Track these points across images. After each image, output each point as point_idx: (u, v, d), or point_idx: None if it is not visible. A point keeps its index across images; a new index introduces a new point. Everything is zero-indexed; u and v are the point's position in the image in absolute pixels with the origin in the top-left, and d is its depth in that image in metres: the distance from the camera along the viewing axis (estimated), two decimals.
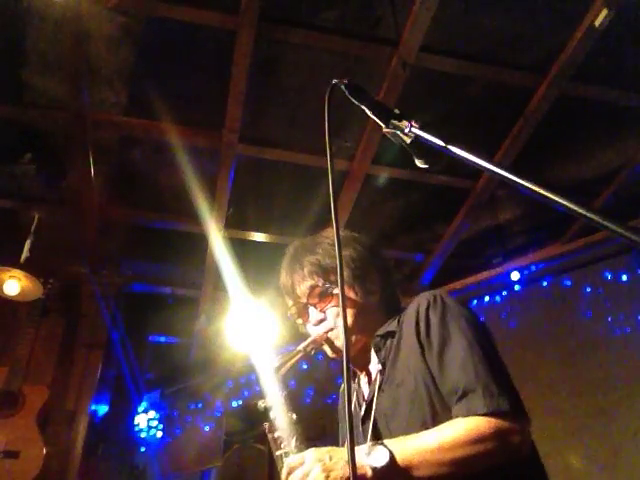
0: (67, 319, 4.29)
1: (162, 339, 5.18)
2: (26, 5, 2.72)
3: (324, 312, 1.55)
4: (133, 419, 5.16)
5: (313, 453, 1.26)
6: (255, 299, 4.14)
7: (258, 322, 4.25)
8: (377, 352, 1.48)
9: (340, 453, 1.24)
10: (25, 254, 3.71)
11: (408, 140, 1.07)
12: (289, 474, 1.25)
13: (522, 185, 0.86)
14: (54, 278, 3.93)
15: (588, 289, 3.75)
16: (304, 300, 1.59)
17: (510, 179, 0.88)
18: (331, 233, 1.63)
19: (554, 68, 2.94)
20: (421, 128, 1.06)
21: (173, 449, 5.21)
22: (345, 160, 3.48)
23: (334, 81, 1.18)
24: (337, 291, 1.52)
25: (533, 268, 4.00)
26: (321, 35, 2.84)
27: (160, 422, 5.35)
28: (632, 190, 3.65)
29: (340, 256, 1.08)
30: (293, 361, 1.52)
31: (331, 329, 1.53)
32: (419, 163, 1.11)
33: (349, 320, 1.49)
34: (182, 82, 3.15)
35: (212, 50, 2.96)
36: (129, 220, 4.12)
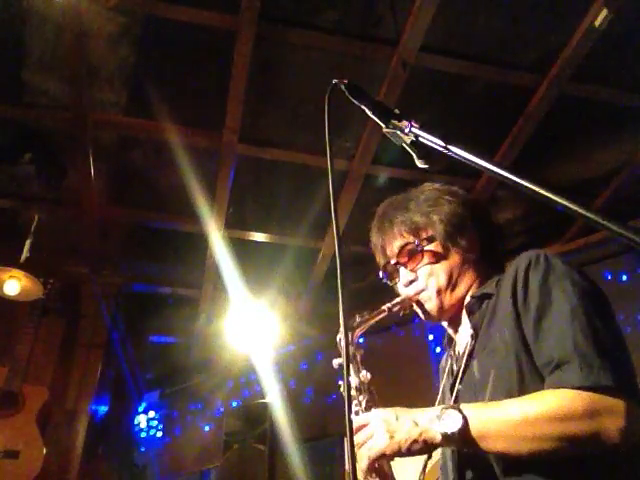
0: (67, 319, 4.29)
1: (162, 339, 5.18)
2: (26, 5, 2.72)
3: (415, 272, 1.43)
4: (133, 419, 5.16)
5: (379, 413, 1.18)
6: (255, 299, 4.14)
7: (258, 322, 4.26)
8: (470, 315, 1.36)
9: (407, 414, 1.15)
10: (25, 254, 3.70)
11: (408, 140, 1.07)
12: (355, 433, 1.16)
13: (522, 185, 0.86)
14: (54, 278, 3.93)
15: None
16: (394, 260, 1.48)
17: (510, 179, 0.88)
18: (425, 187, 1.54)
19: (554, 68, 2.94)
20: (421, 128, 1.07)
21: (173, 449, 5.21)
22: (345, 160, 3.48)
23: (334, 81, 1.18)
24: (430, 249, 1.42)
25: None
26: (321, 35, 2.84)
27: (160, 422, 5.35)
28: (632, 190, 3.65)
29: (340, 256, 1.05)
30: (374, 320, 1.41)
31: (422, 290, 1.42)
32: (419, 163, 1.10)
33: (443, 277, 1.40)
34: (182, 82, 3.15)
35: (212, 50, 2.96)
36: (129, 220, 4.12)
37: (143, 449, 5.16)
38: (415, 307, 1.45)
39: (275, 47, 2.95)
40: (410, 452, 1.12)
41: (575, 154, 3.57)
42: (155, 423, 5.32)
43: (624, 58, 2.99)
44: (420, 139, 1.06)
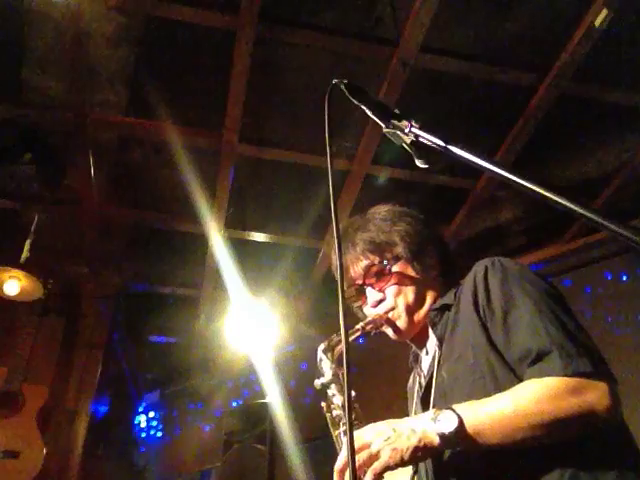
0: (67, 319, 4.29)
1: (162, 339, 5.18)
2: (26, 5, 2.72)
3: (383, 291, 1.46)
4: (133, 419, 5.16)
5: (374, 428, 1.18)
6: (255, 299, 4.14)
7: (258, 322, 4.25)
8: (433, 327, 1.39)
9: (402, 423, 1.16)
10: (25, 254, 3.70)
11: (408, 140, 1.08)
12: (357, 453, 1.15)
13: (522, 185, 0.86)
14: (54, 278, 3.93)
15: (588, 289, 3.74)
16: (360, 281, 1.48)
17: (510, 179, 0.88)
18: (380, 209, 1.57)
19: (554, 68, 2.94)
20: (421, 128, 1.07)
21: (173, 449, 5.21)
22: (345, 160, 3.48)
23: (334, 81, 1.18)
24: (396, 268, 1.45)
25: (533, 268, 4.00)
26: (321, 35, 2.84)
27: (160, 422, 5.35)
28: (632, 190, 3.65)
29: (340, 258, 1.05)
30: (350, 340, 1.42)
31: (392, 308, 1.44)
32: (419, 163, 1.11)
33: (410, 295, 1.43)
34: (182, 82, 3.15)
35: (212, 50, 2.96)
36: (129, 220, 4.12)
37: (143, 449, 5.16)
38: (385, 327, 1.47)
39: (275, 47, 2.95)
40: (411, 460, 1.13)
41: (575, 154, 3.57)
42: (155, 423, 5.32)
43: (624, 58, 2.99)
44: (420, 139, 1.06)
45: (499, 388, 1.15)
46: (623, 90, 3.12)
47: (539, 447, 1.09)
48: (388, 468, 1.13)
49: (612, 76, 3.07)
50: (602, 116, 3.29)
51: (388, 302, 1.45)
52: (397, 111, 1.12)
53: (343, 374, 0.98)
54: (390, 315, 1.45)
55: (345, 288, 1.53)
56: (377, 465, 1.12)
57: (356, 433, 1.20)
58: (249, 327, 4.25)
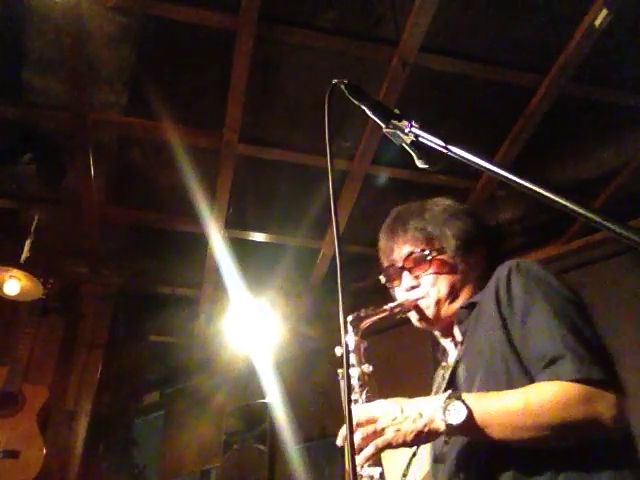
0: (67, 319, 4.29)
1: (162, 339, 5.18)
2: (26, 5, 2.72)
3: (418, 279, 1.48)
4: (133, 419, 5.16)
5: (383, 405, 1.21)
6: (255, 299, 4.14)
7: (258, 322, 4.26)
8: (459, 324, 1.43)
9: (413, 404, 1.18)
10: (25, 254, 3.71)
11: (408, 140, 1.08)
12: (358, 426, 1.19)
13: (522, 185, 0.86)
14: (54, 278, 3.93)
15: (588, 289, 3.74)
16: (400, 264, 1.51)
17: (510, 179, 0.88)
18: (442, 201, 1.59)
19: (554, 68, 2.94)
20: (421, 128, 1.07)
21: (173, 449, 5.21)
22: (345, 160, 3.48)
23: (334, 81, 1.18)
24: (437, 260, 1.47)
25: None
26: (321, 35, 2.84)
27: (160, 422, 5.35)
28: (632, 190, 3.65)
29: (340, 256, 1.06)
30: (376, 318, 1.47)
31: (423, 297, 1.47)
32: (419, 163, 1.11)
33: (445, 288, 1.45)
34: (182, 82, 3.15)
35: (212, 50, 2.96)
36: (129, 220, 4.12)
37: (143, 449, 5.16)
38: (411, 312, 1.49)
39: (275, 47, 2.95)
40: (414, 442, 1.17)
41: (575, 154, 3.57)
42: (155, 423, 5.32)
43: (624, 58, 2.99)
44: (420, 139, 1.06)
45: (512, 386, 1.17)
46: (623, 90, 3.12)
47: (541, 448, 1.11)
48: (390, 446, 1.16)
49: (612, 76, 3.07)
50: (602, 116, 3.29)
51: (422, 290, 1.47)
52: (397, 111, 1.12)
53: (343, 373, 0.99)
54: (420, 303, 1.47)
55: (385, 266, 1.57)
56: (379, 441, 1.16)
57: (366, 406, 1.27)
58: (249, 327, 4.25)
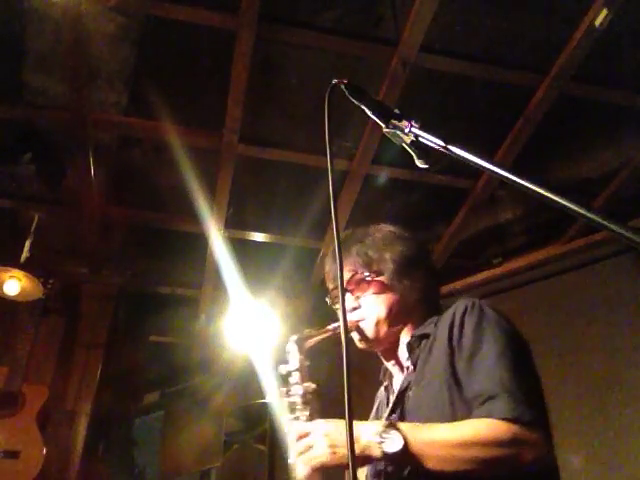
0: (67, 319, 4.29)
1: (162, 339, 5.18)
2: (26, 5, 2.72)
3: (359, 300, 1.57)
4: (133, 419, 5.16)
5: (322, 425, 1.24)
6: (255, 299, 4.14)
7: (258, 322, 4.25)
8: (410, 352, 1.48)
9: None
10: (25, 254, 3.71)
11: (408, 140, 1.08)
12: (293, 444, 1.24)
13: (522, 185, 0.86)
14: (54, 278, 3.93)
15: (588, 289, 3.74)
16: None
17: (510, 179, 0.88)
18: (383, 227, 1.69)
19: (554, 68, 2.94)
20: (421, 128, 1.07)
21: (173, 449, 5.20)
22: (345, 160, 3.48)
23: (334, 81, 1.18)
24: (376, 282, 1.56)
25: (533, 268, 3.99)
26: (321, 35, 2.84)
27: (160, 422, 5.35)
28: (632, 190, 3.65)
29: (340, 259, 1.09)
30: (319, 338, 1.56)
31: (363, 318, 1.55)
32: (419, 163, 1.11)
33: (384, 309, 1.52)
34: (182, 82, 3.15)
35: (212, 50, 2.96)
36: (129, 220, 4.12)
37: (143, 449, 5.16)
38: (354, 332, 1.56)
39: (275, 47, 2.95)
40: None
41: (575, 154, 3.57)
42: (155, 423, 5.31)
43: (624, 58, 2.99)
44: (420, 139, 1.06)
45: (455, 418, 1.25)
46: (623, 90, 3.12)
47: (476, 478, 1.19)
48: (325, 467, 1.19)
49: (612, 76, 3.07)
50: (602, 116, 3.29)
51: (361, 311, 1.56)
52: (397, 111, 1.12)
53: (343, 373, 1.00)
54: (360, 324, 1.55)
55: (330, 289, 1.68)
56: (310, 455, 1.19)
57: (305, 425, 1.32)
58: (249, 327, 4.25)
